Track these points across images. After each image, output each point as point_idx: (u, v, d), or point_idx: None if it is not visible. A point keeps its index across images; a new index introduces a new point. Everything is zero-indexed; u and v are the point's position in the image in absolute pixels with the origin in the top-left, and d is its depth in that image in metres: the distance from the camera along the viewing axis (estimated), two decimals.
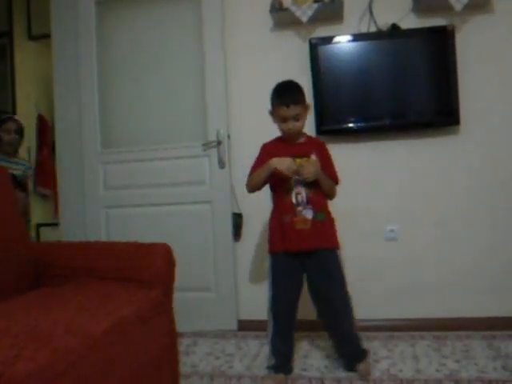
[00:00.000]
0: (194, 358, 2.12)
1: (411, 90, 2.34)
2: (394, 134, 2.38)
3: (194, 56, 2.53)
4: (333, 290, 1.82)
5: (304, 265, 1.82)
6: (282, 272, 1.84)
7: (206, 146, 2.47)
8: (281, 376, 1.82)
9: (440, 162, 2.37)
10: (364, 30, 2.40)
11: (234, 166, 2.52)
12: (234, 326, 2.46)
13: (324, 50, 2.37)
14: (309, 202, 1.79)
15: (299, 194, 1.79)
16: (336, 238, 1.86)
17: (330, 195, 1.89)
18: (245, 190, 2.50)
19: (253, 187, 1.89)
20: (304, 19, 2.32)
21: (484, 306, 2.30)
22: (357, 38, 2.36)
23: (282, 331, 1.85)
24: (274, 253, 1.87)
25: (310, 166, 1.77)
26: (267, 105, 2.52)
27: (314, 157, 1.82)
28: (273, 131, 2.52)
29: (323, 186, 1.82)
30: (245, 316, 2.50)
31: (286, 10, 2.36)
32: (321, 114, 2.37)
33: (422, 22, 2.35)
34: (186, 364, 2.02)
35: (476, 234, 2.34)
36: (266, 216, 2.50)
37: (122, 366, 1.23)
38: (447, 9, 2.25)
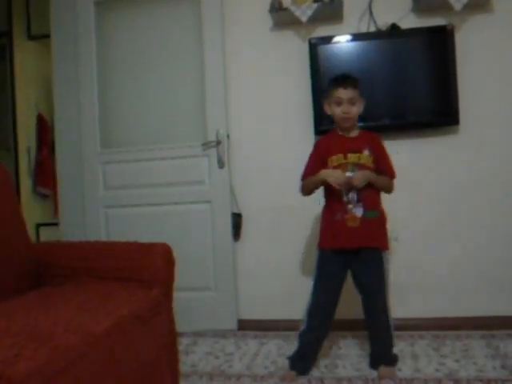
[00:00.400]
0: (194, 357, 2.12)
1: (411, 90, 2.34)
2: (393, 134, 2.38)
3: (194, 56, 2.53)
4: (370, 291, 1.84)
5: (351, 261, 1.83)
6: (327, 268, 1.85)
7: (206, 145, 2.47)
8: (292, 373, 1.84)
9: (440, 162, 2.37)
10: (364, 29, 2.40)
11: (233, 165, 2.52)
12: (233, 325, 2.46)
13: (324, 49, 2.37)
14: (360, 199, 1.79)
15: (350, 192, 1.79)
16: (384, 238, 1.86)
17: (387, 191, 1.89)
18: (244, 190, 2.53)
19: (306, 193, 1.91)
20: (303, 19, 2.32)
21: (483, 306, 2.30)
22: (356, 37, 2.36)
23: (318, 327, 1.86)
24: (322, 249, 1.88)
25: (359, 174, 1.76)
26: (267, 105, 2.54)
27: (366, 152, 1.82)
28: (272, 131, 2.54)
29: (377, 186, 1.83)
30: (244, 316, 2.50)
31: (286, 9, 2.36)
32: (320, 114, 2.35)
33: (421, 21, 2.35)
34: (185, 363, 2.02)
35: (476, 233, 2.34)
36: (266, 216, 2.52)
37: (122, 366, 1.23)
38: (447, 8, 2.25)
